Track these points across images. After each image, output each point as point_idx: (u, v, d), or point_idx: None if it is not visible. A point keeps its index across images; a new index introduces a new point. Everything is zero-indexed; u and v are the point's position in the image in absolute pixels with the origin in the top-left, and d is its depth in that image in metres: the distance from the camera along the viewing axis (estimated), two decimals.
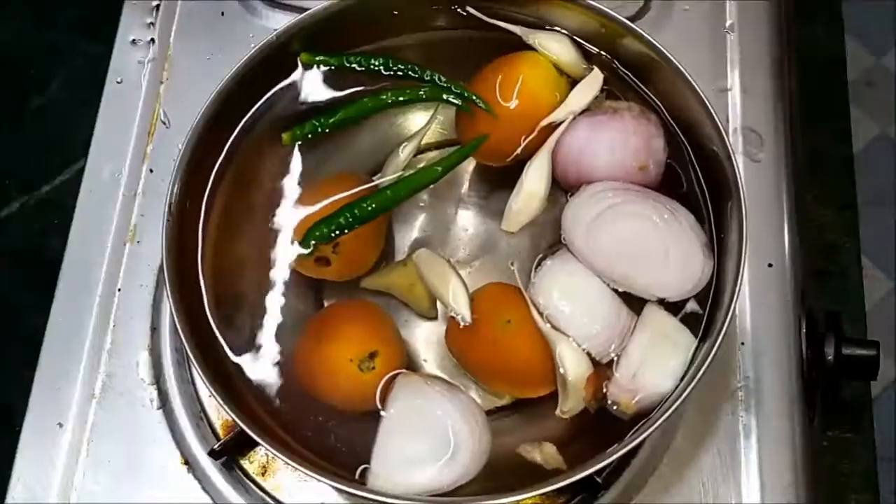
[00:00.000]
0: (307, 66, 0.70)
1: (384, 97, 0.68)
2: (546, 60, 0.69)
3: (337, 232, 0.65)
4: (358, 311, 0.69)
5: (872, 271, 1.50)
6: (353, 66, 0.69)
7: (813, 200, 0.84)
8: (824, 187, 0.85)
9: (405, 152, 0.68)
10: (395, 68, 0.69)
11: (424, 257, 0.68)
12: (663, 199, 0.66)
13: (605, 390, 0.63)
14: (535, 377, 0.64)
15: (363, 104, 0.69)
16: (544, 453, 0.63)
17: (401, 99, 0.68)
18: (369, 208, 0.65)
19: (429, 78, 0.68)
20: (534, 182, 0.67)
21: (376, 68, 0.69)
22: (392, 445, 0.62)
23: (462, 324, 0.64)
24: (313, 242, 0.65)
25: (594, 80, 0.69)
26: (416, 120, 0.71)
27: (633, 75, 0.70)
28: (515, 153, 0.68)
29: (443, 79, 0.68)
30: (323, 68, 0.70)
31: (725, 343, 0.67)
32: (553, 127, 0.67)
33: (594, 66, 0.69)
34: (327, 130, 0.69)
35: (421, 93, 0.68)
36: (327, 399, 0.65)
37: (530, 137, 0.67)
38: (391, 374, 0.64)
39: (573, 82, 0.69)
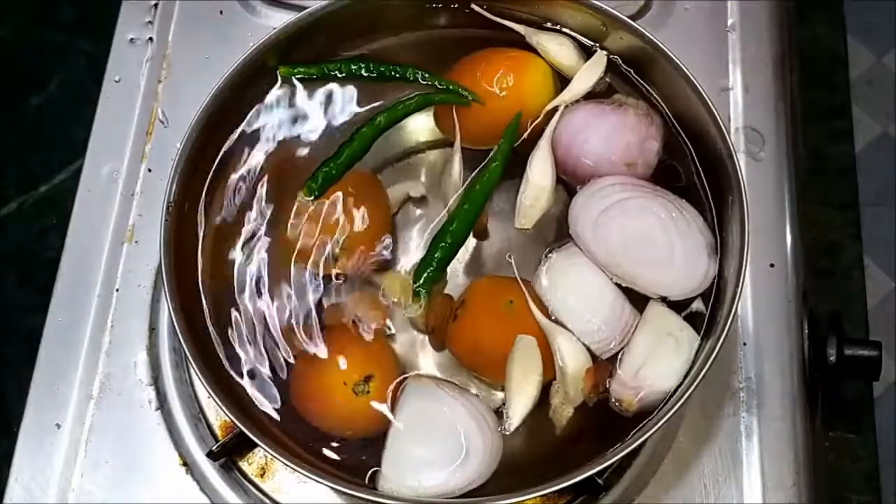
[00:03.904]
0: (286, 79, 0.69)
1: (378, 121, 0.68)
2: (542, 62, 0.68)
3: (442, 266, 0.65)
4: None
5: (874, 271, 1.50)
6: (334, 73, 0.69)
7: (814, 200, 0.84)
8: (826, 187, 0.85)
9: (455, 169, 0.67)
10: (376, 71, 0.69)
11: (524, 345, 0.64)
12: (672, 197, 0.65)
13: (607, 387, 0.62)
14: (544, 355, 0.63)
15: (363, 135, 0.68)
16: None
17: (395, 117, 0.68)
18: (455, 224, 0.65)
19: (412, 77, 0.68)
20: (539, 173, 0.67)
21: (357, 72, 0.69)
22: (403, 449, 0.61)
23: (509, 431, 0.62)
24: (422, 289, 0.65)
25: (598, 62, 0.69)
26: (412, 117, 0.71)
27: (634, 73, 0.70)
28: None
29: (426, 75, 0.68)
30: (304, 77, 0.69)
31: (727, 343, 0.66)
32: (551, 114, 0.67)
33: (597, 48, 0.69)
34: (339, 173, 0.68)
35: (410, 103, 0.68)
36: (320, 421, 0.64)
37: (535, 122, 0.67)
38: (401, 378, 0.64)
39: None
